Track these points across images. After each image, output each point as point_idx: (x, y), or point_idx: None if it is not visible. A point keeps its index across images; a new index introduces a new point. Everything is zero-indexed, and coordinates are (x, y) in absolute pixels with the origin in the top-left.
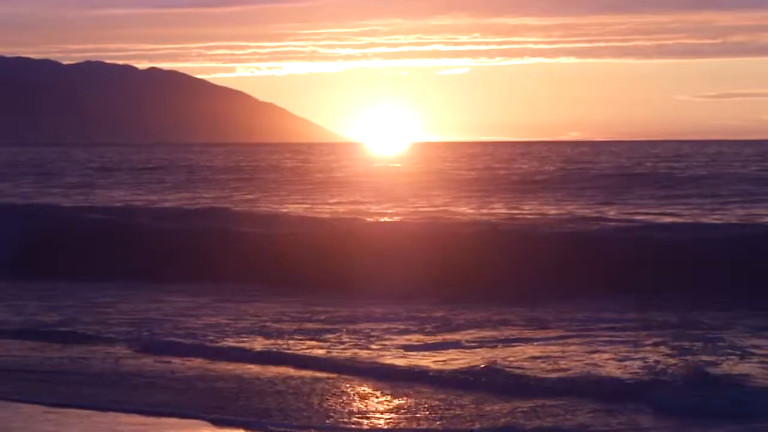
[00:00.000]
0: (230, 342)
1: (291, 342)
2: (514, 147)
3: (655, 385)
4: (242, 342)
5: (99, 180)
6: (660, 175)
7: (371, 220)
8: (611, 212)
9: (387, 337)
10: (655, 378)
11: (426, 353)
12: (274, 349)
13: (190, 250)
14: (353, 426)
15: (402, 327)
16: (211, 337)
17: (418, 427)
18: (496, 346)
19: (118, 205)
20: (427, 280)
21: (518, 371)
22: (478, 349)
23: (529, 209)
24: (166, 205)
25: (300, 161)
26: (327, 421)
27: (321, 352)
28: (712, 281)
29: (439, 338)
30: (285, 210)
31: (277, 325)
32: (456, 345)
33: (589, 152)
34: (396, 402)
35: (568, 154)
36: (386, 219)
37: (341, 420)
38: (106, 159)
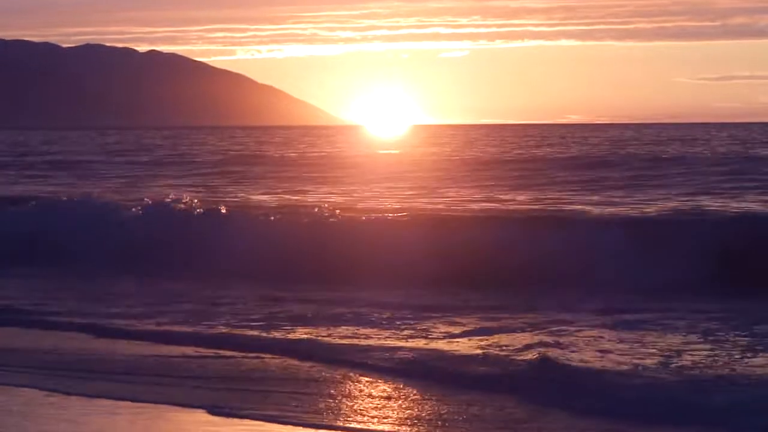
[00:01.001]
0: (236, 330)
1: (291, 330)
2: (526, 129)
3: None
4: (249, 331)
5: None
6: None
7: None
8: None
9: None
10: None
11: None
12: (273, 337)
13: None
14: (349, 423)
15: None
16: (211, 324)
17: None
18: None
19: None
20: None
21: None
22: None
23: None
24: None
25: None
26: (328, 416)
27: (323, 340)
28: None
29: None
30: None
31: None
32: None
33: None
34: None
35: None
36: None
37: (340, 415)
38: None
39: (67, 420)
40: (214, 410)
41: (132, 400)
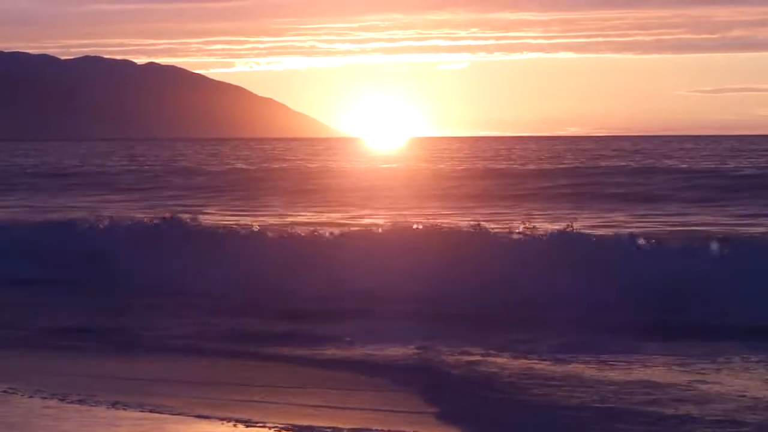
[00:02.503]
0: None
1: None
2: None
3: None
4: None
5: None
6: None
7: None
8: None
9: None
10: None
11: None
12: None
13: None
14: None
15: None
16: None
17: None
18: None
19: None
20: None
21: None
22: None
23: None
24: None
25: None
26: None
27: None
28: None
29: None
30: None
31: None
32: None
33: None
34: None
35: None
36: None
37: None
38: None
39: (66, 431)
40: (214, 418)
41: (133, 410)
